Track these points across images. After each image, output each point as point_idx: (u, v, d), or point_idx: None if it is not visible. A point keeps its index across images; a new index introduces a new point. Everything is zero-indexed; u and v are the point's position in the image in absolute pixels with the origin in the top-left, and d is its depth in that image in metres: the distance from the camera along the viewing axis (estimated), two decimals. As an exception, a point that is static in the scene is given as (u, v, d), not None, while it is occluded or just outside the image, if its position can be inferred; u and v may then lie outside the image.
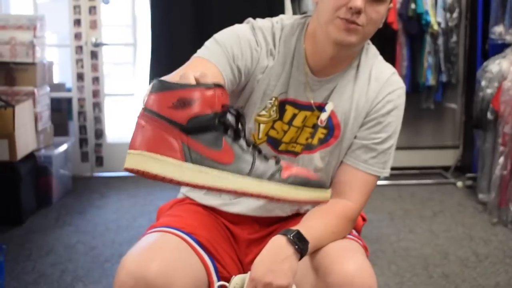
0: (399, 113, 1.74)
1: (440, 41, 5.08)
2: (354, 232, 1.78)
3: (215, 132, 1.19)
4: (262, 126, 1.72)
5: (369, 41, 1.75)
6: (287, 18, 1.75)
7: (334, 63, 1.69)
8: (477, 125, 4.49)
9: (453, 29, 5.11)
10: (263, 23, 1.71)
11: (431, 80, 5.10)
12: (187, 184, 1.16)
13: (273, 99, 1.69)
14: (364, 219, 1.95)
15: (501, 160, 4.05)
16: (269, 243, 1.55)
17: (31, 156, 4.35)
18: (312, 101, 1.70)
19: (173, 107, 1.16)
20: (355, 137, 1.73)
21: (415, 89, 5.14)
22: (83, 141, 5.36)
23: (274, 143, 1.73)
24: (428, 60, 5.08)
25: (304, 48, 1.70)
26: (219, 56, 1.59)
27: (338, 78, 1.71)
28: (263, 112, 1.71)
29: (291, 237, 1.53)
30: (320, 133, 1.72)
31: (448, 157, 5.36)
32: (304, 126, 1.72)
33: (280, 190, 1.23)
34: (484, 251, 3.61)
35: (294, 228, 1.57)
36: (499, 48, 4.47)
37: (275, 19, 1.74)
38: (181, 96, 1.16)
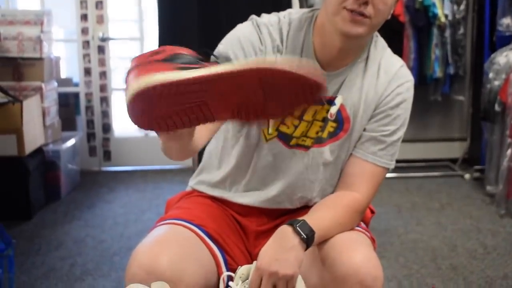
0: (408, 106, 1.74)
1: (447, 33, 5.07)
2: (362, 224, 1.78)
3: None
4: (271, 121, 1.70)
5: (377, 33, 1.74)
6: (295, 12, 1.74)
7: (343, 56, 1.68)
8: (484, 117, 4.49)
9: (460, 21, 5.10)
10: (269, 19, 1.71)
11: (438, 72, 5.10)
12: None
13: None
14: (372, 212, 1.94)
15: (509, 152, 4.05)
16: (275, 233, 1.55)
17: (39, 151, 4.37)
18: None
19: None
20: (364, 129, 1.72)
21: (422, 81, 5.14)
22: (90, 136, 5.38)
23: (285, 138, 1.72)
24: (435, 52, 5.08)
25: (312, 42, 1.69)
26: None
27: (347, 71, 1.70)
28: None
29: (297, 227, 1.53)
30: (330, 126, 1.71)
31: (456, 149, 5.36)
32: (314, 120, 1.71)
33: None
34: (492, 243, 3.61)
35: (301, 218, 1.57)
36: (507, 40, 4.46)
37: (282, 13, 1.74)
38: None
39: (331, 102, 1.70)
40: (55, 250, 3.58)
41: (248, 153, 1.76)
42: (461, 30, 5.12)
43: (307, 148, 1.73)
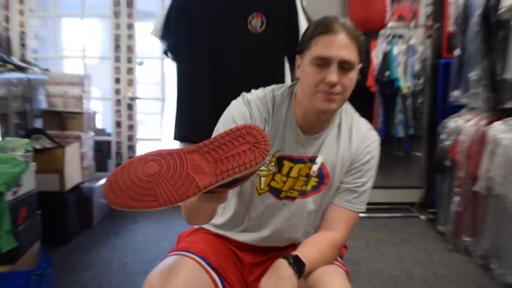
0: (376, 161, 1.77)
1: (409, 101, 5.12)
2: (339, 259, 1.80)
3: None
4: (263, 179, 1.73)
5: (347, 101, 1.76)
6: (278, 88, 1.77)
7: (320, 123, 1.71)
8: (437, 170, 4.51)
9: (419, 92, 5.15)
10: (257, 95, 1.73)
11: (401, 132, 5.13)
12: None
13: (271, 156, 1.71)
14: (346, 247, 1.97)
15: (457, 198, 4.06)
16: (273, 265, 1.57)
17: (77, 188, 4.38)
18: (304, 155, 1.72)
19: None
20: (341, 182, 1.75)
21: (388, 140, 5.17)
22: (118, 176, 5.37)
23: (275, 192, 1.75)
24: (399, 116, 5.12)
25: (294, 112, 1.71)
26: None
27: (323, 134, 1.73)
28: (263, 168, 1.72)
29: (292, 261, 1.55)
30: (313, 181, 1.74)
31: (414, 195, 5.35)
32: (299, 176, 1.73)
33: None
34: (442, 273, 3.61)
35: (294, 253, 1.59)
36: (456, 109, 4.50)
37: (267, 89, 1.76)
38: None
39: (313, 161, 1.73)
40: (86, 270, 3.57)
41: (244, 205, 1.79)
42: (420, 99, 5.17)
43: (293, 199, 1.76)
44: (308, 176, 1.74)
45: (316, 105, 1.61)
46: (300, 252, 1.62)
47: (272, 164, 1.72)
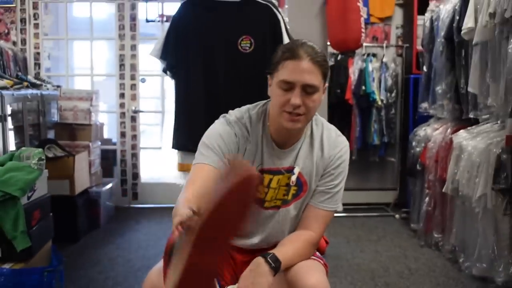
0: (346, 164, 1.76)
1: (383, 112, 5.16)
2: (317, 253, 1.78)
3: None
4: None
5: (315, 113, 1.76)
6: (253, 107, 1.76)
7: (292, 137, 1.71)
8: (409, 174, 4.52)
9: (392, 104, 5.19)
10: (236, 116, 1.72)
11: (376, 140, 5.16)
12: None
13: None
14: (327, 242, 1.96)
15: (427, 199, 4.07)
16: (252, 263, 1.57)
17: (85, 192, 4.36)
18: (281, 167, 1.71)
19: None
20: (316, 186, 1.74)
21: (364, 147, 5.20)
22: (123, 181, 5.36)
23: (259, 203, 1.73)
24: (374, 126, 5.14)
25: (269, 128, 1.71)
26: (213, 157, 1.63)
27: (297, 146, 1.72)
28: None
29: (268, 259, 1.55)
30: (293, 190, 1.73)
31: (389, 196, 5.35)
32: (279, 186, 1.72)
33: None
34: (415, 266, 3.60)
35: (271, 251, 1.59)
36: (425, 119, 4.54)
37: (243, 109, 1.75)
38: None
39: (290, 171, 1.71)
40: (94, 266, 3.54)
41: None
42: (393, 111, 5.21)
43: (278, 208, 1.74)
44: (288, 185, 1.72)
45: (282, 124, 1.62)
46: (277, 250, 1.61)
47: None
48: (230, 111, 1.76)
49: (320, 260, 1.76)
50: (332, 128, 1.80)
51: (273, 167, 1.71)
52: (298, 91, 1.56)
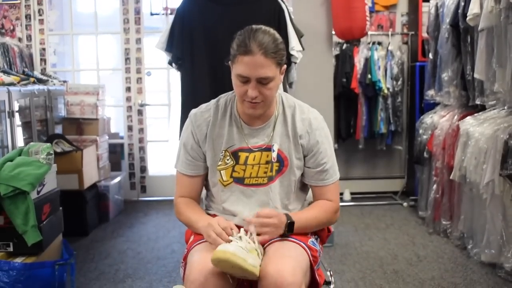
0: (325, 132, 1.85)
1: (389, 101, 5.14)
2: (311, 245, 1.78)
3: None
4: (223, 172, 1.82)
5: (283, 92, 1.89)
6: (224, 96, 1.88)
7: (260, 118, 1.81)
8: (416, 161, 4.52)
9: (398, 93, 5.17)
10: (202, 106, 1.88)
11: (383, 129, 5.14)
12: None
13: (224, 151, 1.81)
14: (329, 231, 2.00)
15: (435, 186, 4.07)
16: (271, 211, 1.74)
17: (94, 186, 4.38)
18: (256, 145, 1.81)
19: None
20: (308, 167, 1.83)
21: (371, 136, 5.19)
22: (131, 175, 5.38)
23: (239, 180, 1.82)
24: (380, 114, 5.13)
25: (237, 111, 1.82)
26: (188, 164, 1.86)
27: (270, 124, 1.82)
28: (219, 162, 1.82)
29: (286, 215, 1.73)
30: (275, 166, 1.81)
31: (396, 185, 5.36)
32: (259, 164, 1.80)
33: None
34: (423, 253, 3.61)
35: (290, 213, 1.77)
36: (431, 106, 4.53)
37: (214, 100, 1.88)
38: None
39: (269, 149, 1.80)
40: (104, 259, 3.57)
41: (216, 200, 1.90)
42: (399, 99, 5.18)
43: (265, 185, 1.82)
44: (269, 162, 1.81)
45: (244, 110, 1.76)
46: (293, 213, 1.79)
47: (228, 158, 1.81)
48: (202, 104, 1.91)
49: (307, 250, 1.74)
50: (304, 105, 1.89)
51: (246, 146, 1.81)
52: (254, 83, 1.67)
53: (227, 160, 1.80)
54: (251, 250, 1.60)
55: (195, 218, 1.81)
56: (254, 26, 1.72)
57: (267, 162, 1.80)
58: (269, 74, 1.67)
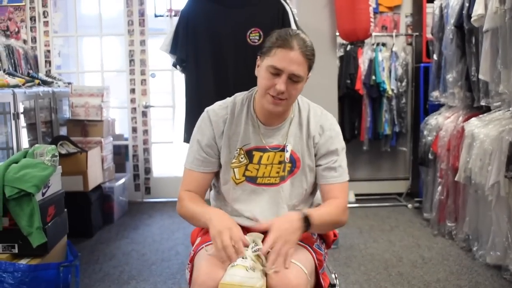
0: (339, 136, 1.85)
1: (394, 102, 5.13)
2: (317, 249, 1.80)
3: None
4: (236, 170, 1.81)
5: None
6: (240, 94, 1.88)
7: (277, 117, 1.80)
8: (421, 163, 4.51)
9: (403, 94, 5.16)
10: (218, 104, 1.86)
11: (387, 130, 5.14)
12: None
13: (239, 150, 1.80)
14: (335, 235, 2.00)
15: (439, 188, 4.06)
16: (285, 217, 1.68)
17: (98, 187, 4.39)
18: (271, 145, 1.81)
19: None
20: (319, 166, 1.82)
21: (376, 137, 5.18)
22: (136, 176, 5.39)
23: (251, 179, 1.82)
24: (385, 116, 5.12)
25: (254, 109, 1.81)
26: (201, 161, 1.83)
27: (286, 125, 1.82)
28: (233, 160, 1.81)
29: (300, 214, 1.66)
30: (287, 166, 1.81)
31: (401, 186, 5.35)
32: (272, 164, 1.81)
33: None
34: (428, 255, 3.60)
35: (304, 210, 1.71)
36: (436, 107, 4.52)
37: (231, 97, 1.87)
38: None
39: (283, 149, 1.80)
40: (109, 260, 3.57)
41: (225, 198, 1.89)
42: (403, 100, 5.18)
43: (276, 185, 1.82)
44: (282, 163, 1.81)
45: (264, 105, 1.74)
46: (307, 210, 1.73)
47: (242, 156, 1.81)
48: (218, 102, 1.89)
49: (313, 253, 1.75)
50: (318, 107, 1.90)
51: (261, 145, 1.81)
52: (285, 78, 1.66)
53: (241, 158, 1.80)
54: (257, 267, 1.57)
55: (200, 210, 1.76)
56: (293, 29, 1.74)
57: (280, 162, 1.80)
58: (301, 73, 1.67)
